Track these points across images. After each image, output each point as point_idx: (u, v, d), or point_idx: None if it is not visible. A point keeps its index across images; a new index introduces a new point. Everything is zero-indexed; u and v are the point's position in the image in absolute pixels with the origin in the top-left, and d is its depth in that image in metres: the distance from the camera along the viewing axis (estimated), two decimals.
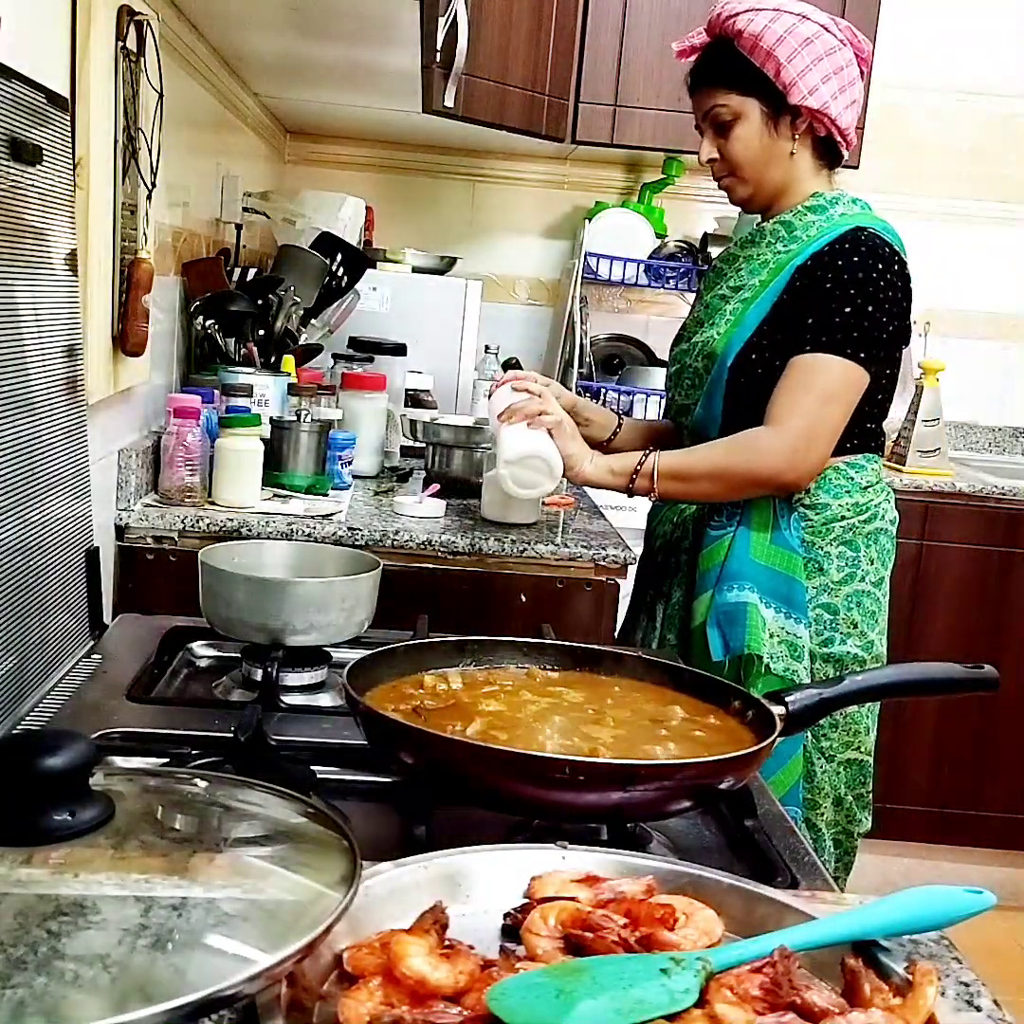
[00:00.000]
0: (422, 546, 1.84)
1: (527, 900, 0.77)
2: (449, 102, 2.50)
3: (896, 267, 1.65)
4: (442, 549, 1.84)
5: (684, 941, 0.72)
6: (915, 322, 3.34)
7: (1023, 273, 3.54)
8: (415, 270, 3.00)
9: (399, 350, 2.66)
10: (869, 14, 3.02)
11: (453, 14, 2.39)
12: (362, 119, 3.04)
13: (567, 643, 1.18)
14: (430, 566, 1.84)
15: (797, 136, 1.70)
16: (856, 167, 3.08)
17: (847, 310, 1.62)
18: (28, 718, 1.15)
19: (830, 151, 1.75)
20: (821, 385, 1.64)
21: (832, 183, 1.78)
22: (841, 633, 1.69)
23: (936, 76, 3.43)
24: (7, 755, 0.69)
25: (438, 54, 2.40)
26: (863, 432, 1.71)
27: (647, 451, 1.67)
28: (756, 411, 1.67)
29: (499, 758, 0.87)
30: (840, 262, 1.64)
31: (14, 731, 1.11)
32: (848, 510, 1.71)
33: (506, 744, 0.92)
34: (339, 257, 2.51)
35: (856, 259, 1.63)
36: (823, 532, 1.70)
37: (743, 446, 1.66)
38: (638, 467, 1.65)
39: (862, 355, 1.63)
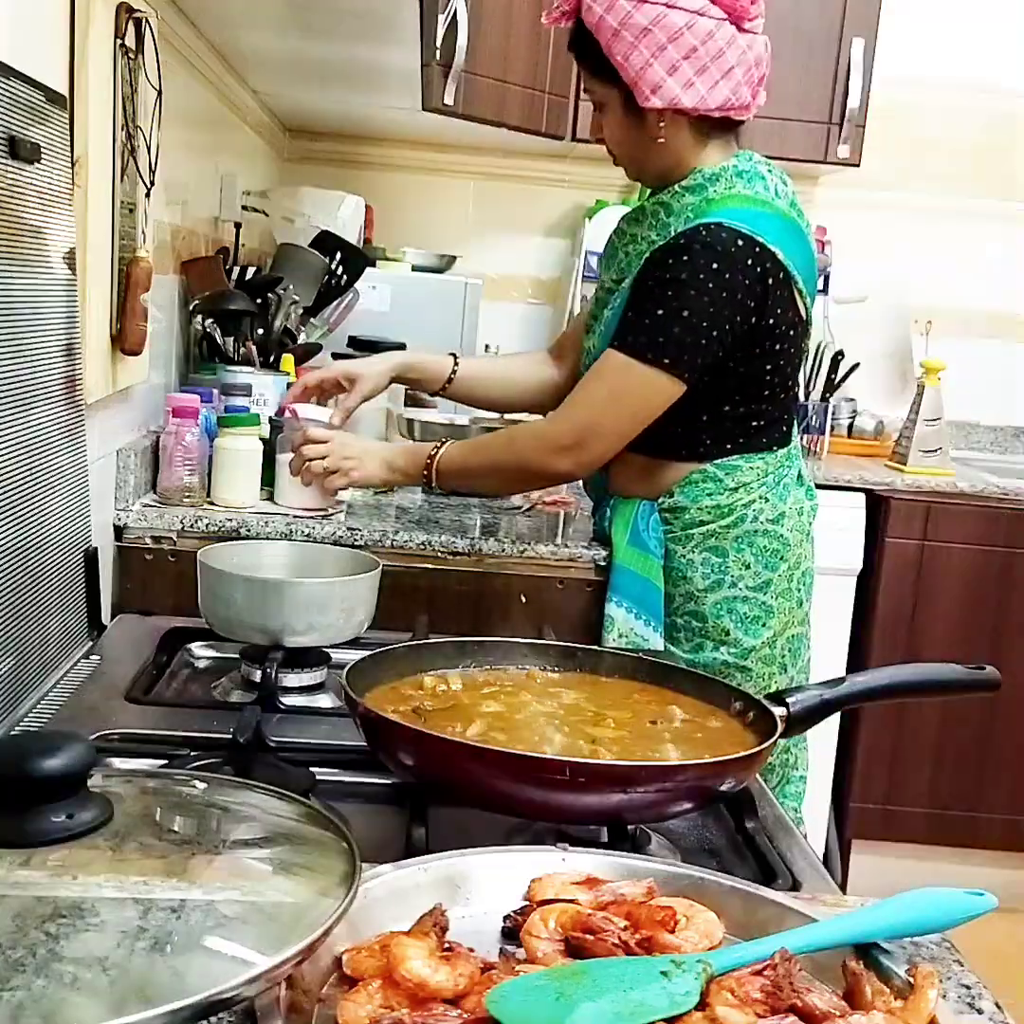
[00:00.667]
0: (422, 546, 1.83)
1: (527, 902, 0.76)
2: (449, 100, 2.50)
3: (746, 263, 1.54)
4: (442, 549, 1.84)
5: (685, 943, 0.71)
6: (917, 321, 3.40)
7: None
8: (415, 269, 3.00)
9: (399, 349, 2.65)
10: (870, 10, 3.02)
11: (453, 12, 2.39)
12: (361, 117, 3.04)
13: (567, 643, 1.18)
14: (430, 566, 1.84)
15: (664, 123, 1.59)
16: (857, 165, 3.09)
17: (659, 313, 1.54)
18: (26, 719, 1.14)
19: (716, 121, 1.61)
20: (614, 383, 1.58)
21: (731, 148, 1.64)
22: (713, 640, 1.67)
23: (939, 73, 3.42)
24: (5, 756, 0.69)
25: (438, 52, 2.40)
26: (746, 431, 1.65)
27: (436, 444, 1.67)
28: None
29: (499, 759, 0.86)
30: (670, 261, 1.55)
31: (12, 732, 1.11)
32: (708, 514, 1.65)
33: (506, 745, 0.92)
34: (338, 256, 2.51)
35: (686, 258, 1.53)
36: (684, 539, 1.67)
37: (517, 439, 1.67)
38: (428, 462, 1.67)
39: (666, 361, 1.54)
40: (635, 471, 1.66)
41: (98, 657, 1.34)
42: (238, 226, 2.56)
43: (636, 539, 1.69)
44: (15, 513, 1.17)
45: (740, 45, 1.56)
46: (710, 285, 1.53)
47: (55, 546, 1.29)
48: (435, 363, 1.91)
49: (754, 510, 1.66)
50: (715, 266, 1.53)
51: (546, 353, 1.96)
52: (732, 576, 1.66)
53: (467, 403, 1.99)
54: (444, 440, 1.70)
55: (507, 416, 2.31)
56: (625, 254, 1.71)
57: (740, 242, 1.54)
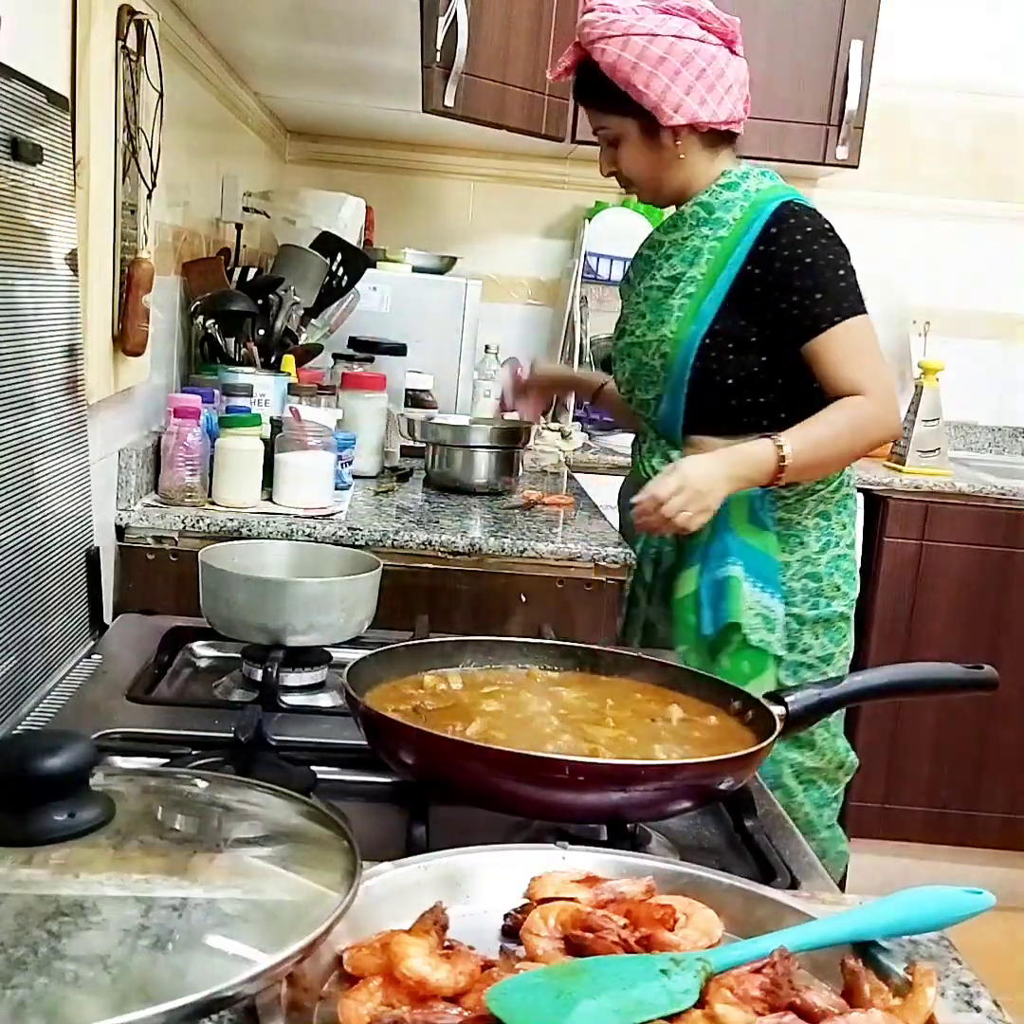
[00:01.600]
0: (422, 546, 1.84)
1: (527, 900, 0.76)
2: (449, 102, 2.51)
3: (828, 224, 1.77)
4: (442, 549, 1.84)
5: (684, 942, 0.72)
6: (915, 322, 3.40)
7: (1023, 273, 3.54)
8: (415, 270, 3.00)
9: (399, 350, 2.66)
10: (869, 13, 3.02)
11: (453, 14, 2.39)
12: (362, 119, 3.04)
13: (567, 643, 1.18)
14: (430, 566, 1.84)
15: (680, 141, 1.77)
16: (856, 166, 3.09)
17: (840, 273, 1.72)
18: (28, 718, 1.15)
19: (722, 134, 1.81)
20: (868, 346, 1.73)
21: (734, 156, 1.85)
22: (826, 597, 1.81)
23: (936, 75, 3.43)
24: (7, 755, 0.69)
25: (438, 54, 2.41)
26: (822, 401, 1.75)
27: (778, 446, 1.68)
28: (719, 403, 1.76)
29: (499, 758, 0.87)
30: (799, 237, 1.72)
31: (15, 731, 1.11)
32: (820, 483, 1.80)
33: (506, 744, 0.92)
34: (339, 257, 2.51)
35: (810, 229, 1.73)
36: (799, 507, 1.80)
37: (864, 421, 1.73)
38: (780, 465, 1.68)
39: (863, 307, 1.74)
40: None
41: (100, 656, 1.34)
42: (239, 227, 2.56)
43: (754, 517, 1.79)
44: (17, 513, 1.17)
45: (735, 66, 1.77)
46: (837, 239, 1.75)
47: (57, 546, 1.29)
48: (586, 381, 2.30)
49: (846, 474, 1.85)
50: (825, 227, 1.74)
51: None
52: (836, 535, 1.83)
53: (607, 411, 2.32)
54: (777, 440, 1.68)
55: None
56: (676, 256, 1.81)
57: (816, 213, 1.76)
